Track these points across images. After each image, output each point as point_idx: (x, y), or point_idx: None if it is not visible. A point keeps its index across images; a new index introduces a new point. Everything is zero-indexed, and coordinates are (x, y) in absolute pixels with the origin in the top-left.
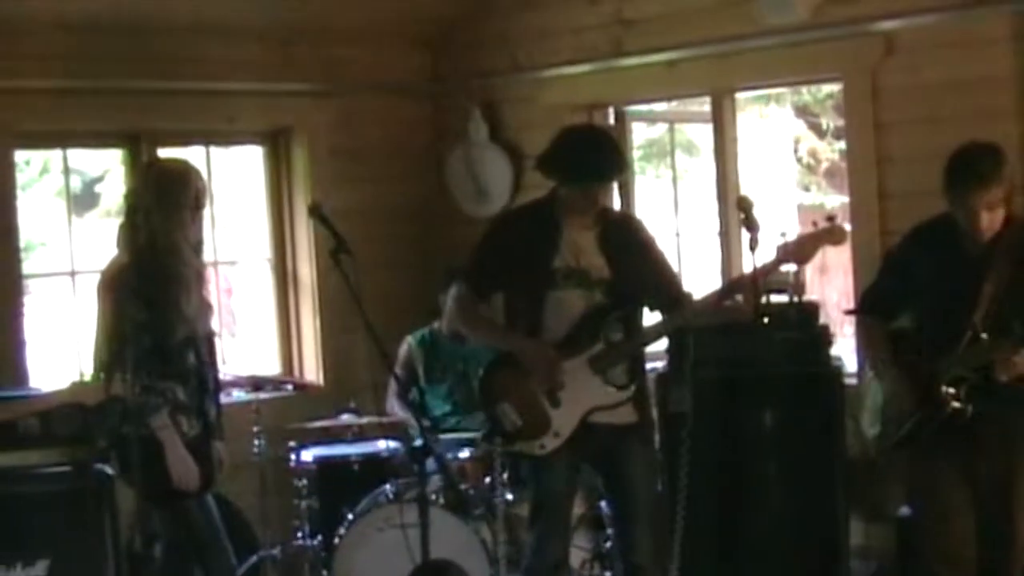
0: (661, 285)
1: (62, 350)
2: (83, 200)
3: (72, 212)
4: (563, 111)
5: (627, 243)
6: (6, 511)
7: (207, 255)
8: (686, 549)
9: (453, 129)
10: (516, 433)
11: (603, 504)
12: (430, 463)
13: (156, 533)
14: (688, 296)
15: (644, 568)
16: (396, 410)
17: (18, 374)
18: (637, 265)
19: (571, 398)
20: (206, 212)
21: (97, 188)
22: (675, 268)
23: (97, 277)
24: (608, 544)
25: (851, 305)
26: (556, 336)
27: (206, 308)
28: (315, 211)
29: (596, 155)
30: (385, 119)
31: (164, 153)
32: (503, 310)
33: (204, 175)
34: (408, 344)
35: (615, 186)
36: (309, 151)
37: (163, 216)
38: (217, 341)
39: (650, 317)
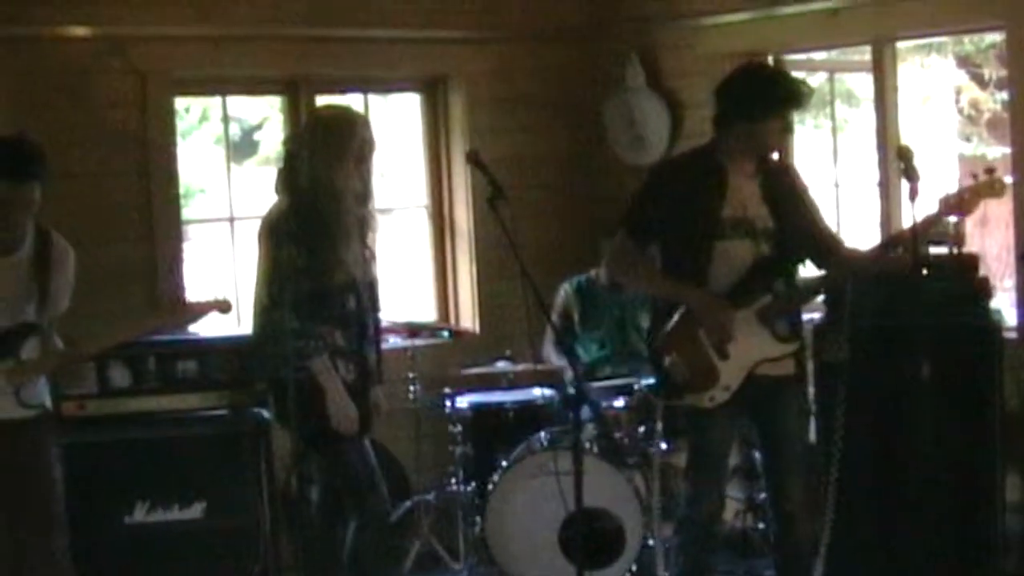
0: (819, 236)
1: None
2: (241, 148)
3: (231, 159)
4: (721, 59)
5: (787, 193)
6: (164, 454)
7: None
8: (840, 499)
9: (610, 77)
10: (684, 386)
11: (756, 454)
12: (585, 411)
13: (312, 477)
14: (847, 248)
15: (797, 518)
16: (551, 358)
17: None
18: (797, 215)
19: (740, 350)
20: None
21: (255, 136)
22: (834, 219)
23: (257, 223)
24: (761, 495)
25: (1011, 257)
26: (722, 287)
27: (368, 256)
28: (473, 158)
29: (772, 88)
30: (542, 66)
31: (322, 100)
32: (660, 260)
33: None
34: (564, 291)
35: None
36: (466, 99)
37: (325, 163)
38: (378, 288)
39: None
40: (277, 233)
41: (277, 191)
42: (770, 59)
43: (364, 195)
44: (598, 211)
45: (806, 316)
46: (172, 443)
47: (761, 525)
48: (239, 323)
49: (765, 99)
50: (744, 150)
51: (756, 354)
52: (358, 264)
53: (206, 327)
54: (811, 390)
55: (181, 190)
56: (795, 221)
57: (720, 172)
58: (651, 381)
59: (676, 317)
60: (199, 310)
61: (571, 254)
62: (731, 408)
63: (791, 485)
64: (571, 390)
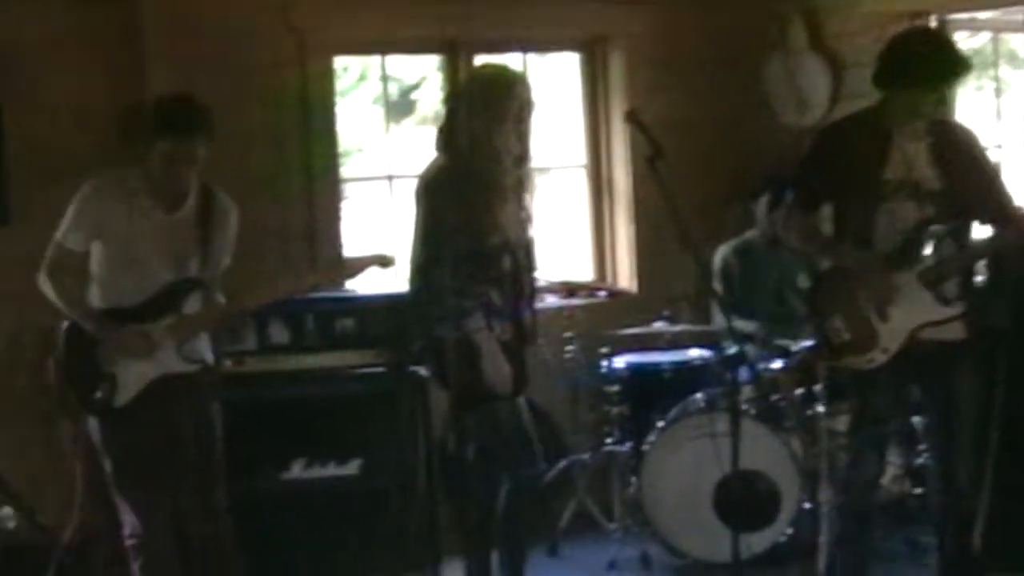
0: (991, 198)
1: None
2: (399, 107)
3: (390, 119)
4: (884, 19)
5: (958, 154)
6: (322, 411)
7: None
8: (999, 468)
9: (772, 38)
10: (844, 347)
11: (916, 420)
12: (742, 372)
13: (469, 436)
14: (1019, 211)
15: (963, 491)
16: (714, 319)
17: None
18: (968, 177)
19: (900, 313)
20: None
21: (413, 95)
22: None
23: (414, 181)
24: (919, 460)
25: None
26: (886, 249)
27: (525, 217)
28: (632, 117)
29: (936, 57)
30: (703, 27)
31: (480, 61)
32: (831, 222)
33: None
34: (723, 253)
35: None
36: (626, 59)
37: (484, 123)
38: (535, 249)
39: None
40: (435, 192)
41: (437, 149)
42: (933, 20)
43: (522, 156)
44: (757, 173)
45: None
46: (330, 401)
47: (919, 491)
48: (397, 281)
49: (926, 69)
50: (908, 113)
51: (917, 317)
52: (514, 225)
53: (364, 285)
54: None
55: (339, 149)
56: (965, 183)
57: (884, 134)
58: (810, 343)
59: (837, 278)
60: (359, 266)
61: (730, 215)
62: (895, 372)
63: (959, 456)
64: (730, 351)
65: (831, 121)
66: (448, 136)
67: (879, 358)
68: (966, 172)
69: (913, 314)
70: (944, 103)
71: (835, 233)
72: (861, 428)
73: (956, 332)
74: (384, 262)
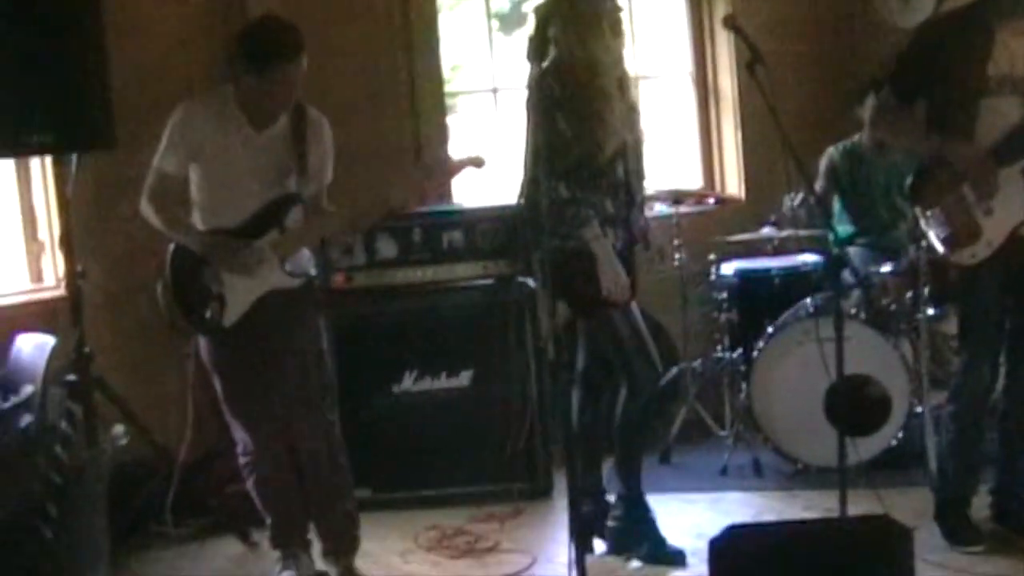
0: None
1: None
2: (511, 19)
3: (501, 30)
4: None
5: None
6: (431, 324)
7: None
8: None
9: None
10: (947, 241)
11: None
12: (847, 276)
13: (578, 344)
14: None
15: None
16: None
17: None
18: None
19: (1004, 207)
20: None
21: (524, 7)
22: None
23: (520, 93)
24: None
25: None
26: (988, 144)
27: (632, 114)
28: (730, 22)
29: None
30: None
31: None
32: (925, 118)
33: None
34: (831, 156)
35: None
36: None
37: (580, 29)
38: (643, 153)
39: None
40: (541, 101)
41: (529, 59)
42: None
43: (619, 57)
44: (863, 74)
45: None
46: (438, 313)
47: None
48: (501, 194)
49: None
50: (1013, 10)
51: (1021, 212)
52: (625, 125)
53: (470, 198)
54: None
55: (448, 62)
56: None
57: (987, 29)
58: (918, 245)
59: (940, 172)
60: (454, 168)
61: (836, 118)
62: (998, 269)
63: None
64: (833, 252)
65: (934, 15)
66: (539, 46)
67: (982, 252)
68: None
69: (1017, 209)
70: None
71: (933, 128)
72: (970, 329)
73: None
74: (478, 163)
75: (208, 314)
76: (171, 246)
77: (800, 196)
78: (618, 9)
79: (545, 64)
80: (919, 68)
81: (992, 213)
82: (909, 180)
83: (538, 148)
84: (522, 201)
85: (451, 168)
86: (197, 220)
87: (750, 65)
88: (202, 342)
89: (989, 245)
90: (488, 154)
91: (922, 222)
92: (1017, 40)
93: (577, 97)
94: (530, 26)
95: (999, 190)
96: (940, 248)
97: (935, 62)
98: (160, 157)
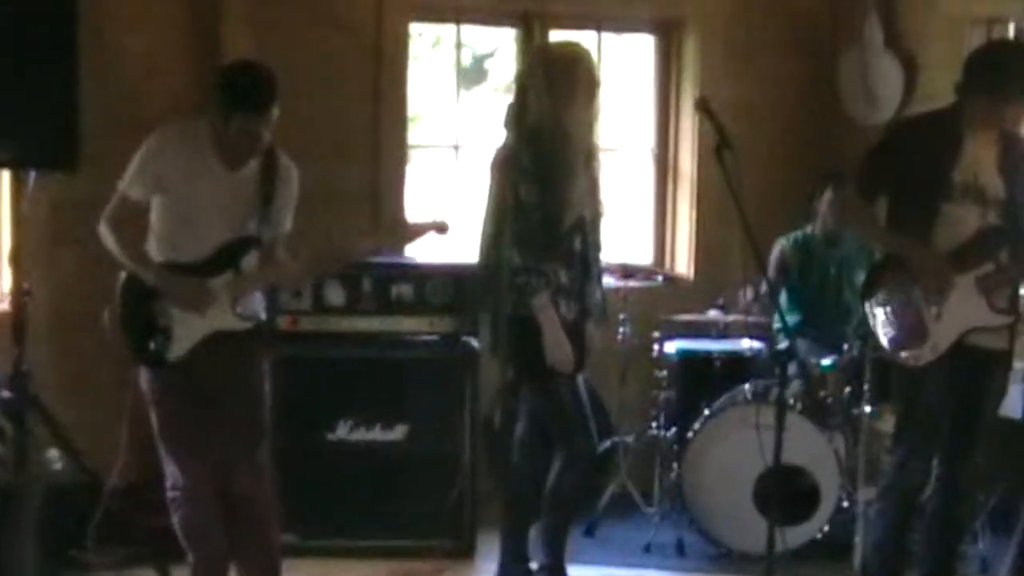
0: None
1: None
2: (471, 74)
3: (460, 86)
4: (962, 22)
5: None
6: (372, 374)
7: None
8: None
9: (848, 31)
10: (894, 341)
11: None
12: (792, 367)
13: (518, 411)
14: None
15: (964, 495)
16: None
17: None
18: None
19: (953, 314)
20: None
21: (486, 64)
22: None
23: (481, 151)
24: None
25: None
26: (944, 250)
27: (594, 187)
28: (702, 105)
29: (1019, 72)
30: (780, 14)
31: (555, 36)
32: (886, 216)
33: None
34: (782, 247)
35: None
36: (701, 42)
37: (553, 100)
38: (601, 227)
39: None
40: (510, 169)
41: (507, 127)
42: (1011, 26)
43: (590, 132)
44: (823, 164)
45: None
46: (381, 364)
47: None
48: (455, 251)
49: (1008, 81)
50: (984, 121)
51: (969, 320)
52: (585, 200)
53: (423, 252)
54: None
55: (408, 114)
56: None
57: (957, 136)
58: (861, 341)
59: (893, 271)
60: (417, 231)
61: (791, 204)
62: (941, 372)
63: (970, 461)
64: (781, 345)
65: (905, 116)
66: (520, 113)
67: (927, 356)
68: None
69: (966, 316)
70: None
71: (892, 227)
72: (908, 428)
73: (999, 342)
74: (441, 228)
75: (152, 346)
76: (123, 273)
77: (752, 292)
78: (596, 81)
79: (523, 132)
80: (886, 166)
81: (941, 318)
82: (862, 275)
83: (498, 212)
84: (480, 263)
85: (413, 232)
86: (152, 249)
87: (718, 150)
88: (143, 373)
89: (934, 349)
90: (446, 211)
91: (871, 319)
92: (985, 150)
93: (543, 167)
94: (494, 84)
95: (951, 296)
96: (886, 346)
97: (902, 161)
98: (127, 182)
